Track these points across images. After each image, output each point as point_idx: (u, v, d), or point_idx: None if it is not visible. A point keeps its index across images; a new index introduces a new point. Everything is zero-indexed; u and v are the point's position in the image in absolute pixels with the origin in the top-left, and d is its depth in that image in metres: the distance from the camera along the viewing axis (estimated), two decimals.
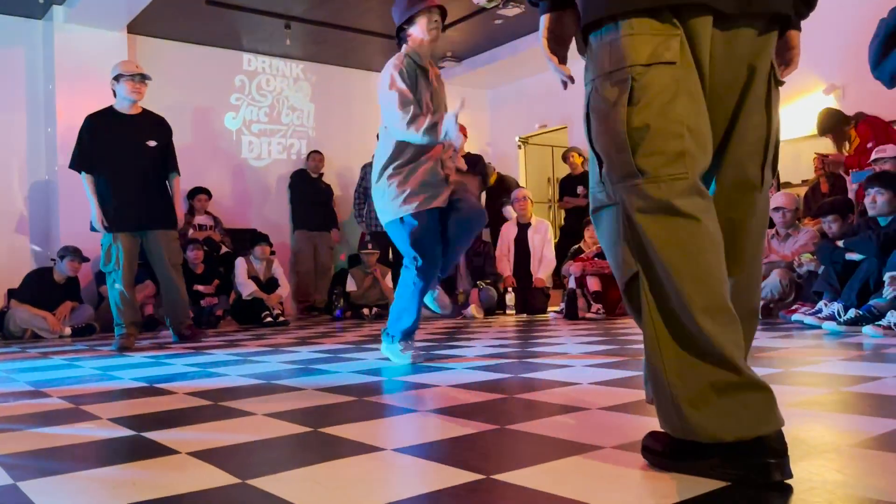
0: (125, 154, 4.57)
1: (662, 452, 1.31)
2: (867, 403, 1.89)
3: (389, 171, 3.19)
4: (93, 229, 4.62)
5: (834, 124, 5.72)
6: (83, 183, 4.59)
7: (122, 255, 4.54)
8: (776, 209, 5.01)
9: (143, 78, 4.65)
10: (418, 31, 3.24)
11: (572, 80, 1.45)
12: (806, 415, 1.76)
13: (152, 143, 4.67)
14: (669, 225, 1.23)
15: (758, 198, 1.38)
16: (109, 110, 4.69)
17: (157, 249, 4.66)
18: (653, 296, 1.26)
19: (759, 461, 1.17)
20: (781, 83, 1.40)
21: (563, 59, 1.46)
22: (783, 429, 1.20)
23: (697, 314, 1.20)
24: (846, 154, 5.65)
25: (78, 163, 4.58)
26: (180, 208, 4.86)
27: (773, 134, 1.38)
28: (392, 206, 3.15)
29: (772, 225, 5.21)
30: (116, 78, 4.63)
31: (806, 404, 1.88)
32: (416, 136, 3.04)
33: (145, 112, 4.77)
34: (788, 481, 1.18)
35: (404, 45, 3.30)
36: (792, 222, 5.04)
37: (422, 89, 3.22)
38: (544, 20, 1.44)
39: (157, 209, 4.66)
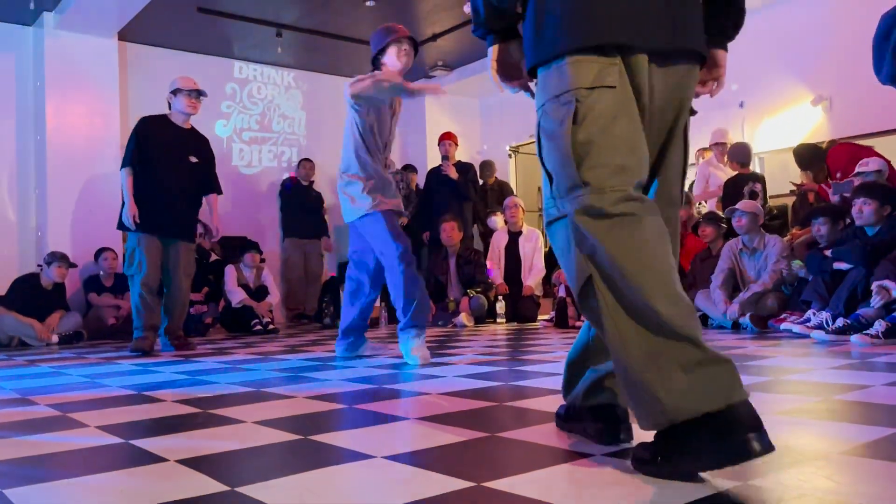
0: (170, 163, 4.70)
1: (651, 460, 1.32)
2: (856, 411, 1.90)
3: (353, 172, 3.61)
4: (119, 227, 4.67)
5: (811, 161, 5.71)
6: (122, 179, 4.63)
7: (145, 259, 4.59)
8: (731, 210, 5.01)
9: (200, 94, 4.79)
10: (390, 59, 3.63)
11: (531, 91, 1.58)
12: (795, 423, 1.77)
13: (194, 160, 4.81)
14: (614, 226, 1.34)
15: (676, 214, 1.57)
16: (164, 118, 4.81)
17: (176, 259, 4.76)
18: (611, 294, 1.33)
19: (739, 437, 1.19)
20: (695, 112, 1.57)
21: (518, 77, 1.63)
22: (773, 444, 1.22)
23: (656, 301, 1.27)
24: (819, 184, 5.65)
25: (125, 159, 4.66)
26: (219, 222, 5.01)
27: (688, 159, 1.58)
28: (362, 202, 3.55)
29: (734, 235, 5.16)
30: (174, 92, 4.76)
31: (795, 412, 1.89)
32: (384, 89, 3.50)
33: (194, 129, 4.91)
34: (778, 488, 1.19)
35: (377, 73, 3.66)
36: (752, 228, 4.92)
37: (385, 113, 3.64)
38: (493, 51, 1.60)
39: (187, 222, 4.81)
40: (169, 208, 4.65)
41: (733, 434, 1.19)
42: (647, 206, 1.38)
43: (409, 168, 8.12)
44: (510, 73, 1.64)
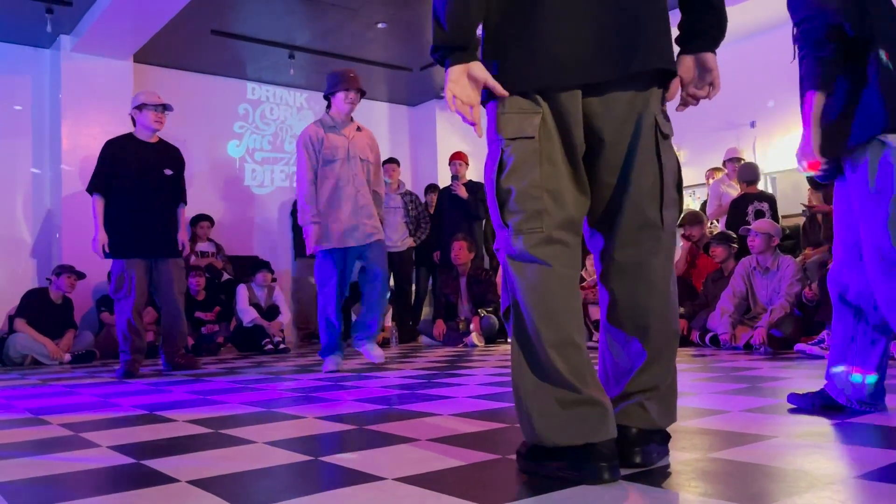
0: (144, 181, 4.64)
1: (525, 455, 1.54)
2: (871, 434, 1.88)
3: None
4: (106, 256, 4.62)
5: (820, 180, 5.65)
6: (93, 206, 4.60)
7: (134, 282, 4.55)
8: (745, 229, 4.97)
9: (165, 108, 4.75)
10: (338, 102, 4.27)
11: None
12: (810, 446, 1.75)
13: (169, 172, 4.77)
14: (527, 270, 1.50)
15: (662, 237, 1.57)
16: (129, 137, 4.77)
17: (166, 277, 4.69)
18: (516, 327, 1.53)
19: (592, 465, 1.41)
20: (669, 136, 1.59)
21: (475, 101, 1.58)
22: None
23: (547, 347, 1.46)
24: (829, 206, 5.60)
25: (93, 185, 4.62)
26: (184, 236, 4.93)
27: (668, 179, 1.57)
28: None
29: (747, 253, 5.11)
30: (139, 107, 4.71)
31: (809, 435, 1.87)
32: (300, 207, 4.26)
33: (162, 141, 4.86)
34: None
35: (326, 111, 4.36)
36: (766, 248, 4.86)
37: (333, 143, 4.22)
38: (464, 70, 1.53)
39: (170, 237, 4.72)
40: (150, 227, 4.58)
41: (589, 461, 1.42)
42: (565, 255, 1.50)
43: (431, 188, 8.05)
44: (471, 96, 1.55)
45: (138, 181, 4.61)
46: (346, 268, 4.28)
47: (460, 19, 1.51)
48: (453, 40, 1.52)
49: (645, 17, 1.53)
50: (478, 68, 1.53)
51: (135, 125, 4.77)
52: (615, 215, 1.57)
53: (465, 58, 1.53)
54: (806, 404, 2.29)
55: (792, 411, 2.25)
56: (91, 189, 4.62)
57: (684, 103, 1.67)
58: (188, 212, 5.22)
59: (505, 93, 1.53)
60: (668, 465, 1.58)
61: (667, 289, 1.58)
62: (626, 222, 1.56)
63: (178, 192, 4.85)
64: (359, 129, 4.37)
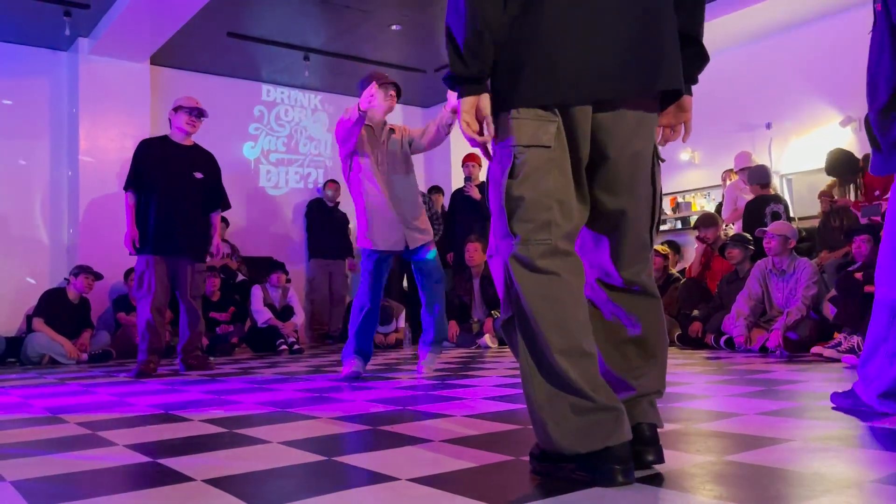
0: (174, 181, 4.68)
1: (538, 457, 1.55)
2: (889, 438, 1.86)
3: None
4: (131, 253, 4.68)
5: (842, 169, 5.58)
6: (125, 202, 4.66)
7: (154, 281, 4.58)
8: (761, 232, 4.93)
9: (201, 113, 4.80)
10: (375, 102, 3.79)
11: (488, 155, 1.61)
12: (826, 450, 1.74)
13: (199, 175, 4.81)
14: (534, 279, 1.48)
15: (650, 256, 1.64)
16: (164, 138, 4.85)
17: (183, 278, 4.73)
18: (523, 336, 1.51)
19: (607, 467, 1.42)
20: (662, 160, 1.66)
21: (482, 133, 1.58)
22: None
23: (555, 354, 1.45)
24: (853, 200, 5.55)
25: (127, 182, 4.70)
26: (218, 240, 5.00)
27: (658, 202, 1.64)
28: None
29: (763, 255, 5.06)
30: (175, 109, 4.77)
31: (826, 439, 1.86)
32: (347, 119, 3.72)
33: (197, 146, 4.92)
34: None
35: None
36: (782, 251, 4.82)
37: (367, 145, 3.84)
38: (475, 101, 1.54)
39: (194, 240, 4.76)
40: (175, 228, 4.61)
41: (603, 463, 1.42)
42: (571, 265, 1.51)
43: (435, 190, 8.15)
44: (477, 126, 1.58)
45: (166, 181, 4.66)
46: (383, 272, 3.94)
47: (478, 52, 1.51)
48: (470, 73, 1.53)
49: (661, 38, 1.53)
50: (485, 101, 1.55)
51: (171, 126, 4.84)
52: (616, 235, 1.60)
53: (479, 90, 1.54)
54: (845, 403, 2.30)
55: (835, 408, 2.31)
56: (125, 186, 4.70)
57: (664, 139, 1.72)
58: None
59: (489, 139, 1.57)
60: (682, 468, 1.57)
61: (660, 299, 1.65)
62: (627, 243, 1.60)
63: (211, 197, 4.89)
64: (392, 130, 3.97)
